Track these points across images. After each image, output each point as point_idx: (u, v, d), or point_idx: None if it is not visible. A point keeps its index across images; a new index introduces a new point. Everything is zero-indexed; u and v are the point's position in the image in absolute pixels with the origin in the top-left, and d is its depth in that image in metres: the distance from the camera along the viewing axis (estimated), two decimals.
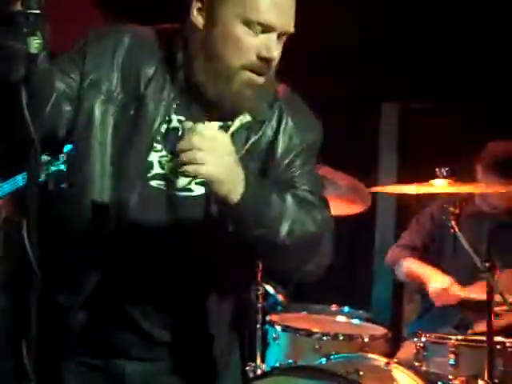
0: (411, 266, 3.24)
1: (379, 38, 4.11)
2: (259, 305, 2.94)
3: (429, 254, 3.27)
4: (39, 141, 1.23)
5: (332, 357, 2.57)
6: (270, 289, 3.08)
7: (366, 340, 2.83)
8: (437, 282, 3.08)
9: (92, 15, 3.89)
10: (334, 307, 3.26)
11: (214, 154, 1.45)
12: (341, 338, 2.85)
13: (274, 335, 2.97)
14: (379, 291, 4.32)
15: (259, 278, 2.97)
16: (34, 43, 1.24)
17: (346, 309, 3.28)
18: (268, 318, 3.03)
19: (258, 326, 2.95)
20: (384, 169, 4.49)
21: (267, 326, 3.01)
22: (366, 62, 4.12)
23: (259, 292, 2.96)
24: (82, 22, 3.42)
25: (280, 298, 3.13)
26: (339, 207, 2.92)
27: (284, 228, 1.56)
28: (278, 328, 2.97)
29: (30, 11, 1.24)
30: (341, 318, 3.18)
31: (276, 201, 1.58)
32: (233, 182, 1.50)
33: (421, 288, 3.21)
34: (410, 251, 3.29)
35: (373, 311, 3.69)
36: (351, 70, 4.09)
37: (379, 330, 2.99)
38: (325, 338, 2.84)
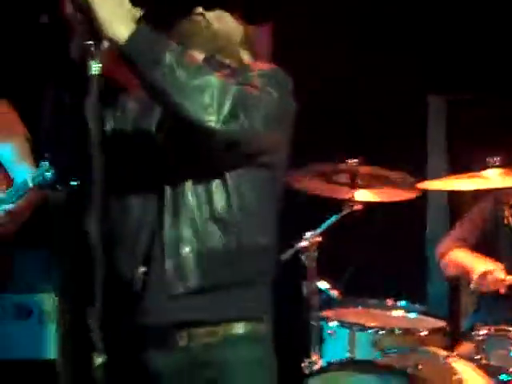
0: (457, 255, 3.16)
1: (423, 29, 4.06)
2: (313, 301, 2.94)
3: (481, 251, 3.18)
4: None
5: (389, 351, 2.54)
6: (323, 284, 3.06)
7: (424, 334, 2.79)
8: (480, 266, 2.99)
9: None
10: (389, 301, 3.22)
11: None
12: (397, 332, 2.81)
13: (330, 331, 2.95)
14: (435, 284, 4.25)
15: (312, 274, 2.96)
16: (94, 67, 1.42)
17: (402, 303, 3.23)
18: (322, 313, 3.01)
19: (313, 322, 2.94)
20: (433, 162, 4.42)
21: (322, 322, 2.98)
22: (411, 54, 4.07)
23: (312, 288, 2.96)
24: None
25: (334, 293, 3.10)
26: (390, 194, 2.89)
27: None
28: (333, 323, 2.95)
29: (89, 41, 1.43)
30: (397, 313, 3.13)
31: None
32: (123, 18, 1.47)
33: (468, 279, 3.13)
34: (460, 243, 3.22)
35: (429, 304, 3.63)
36: (396, 63, 4.04)
37: (436, 324, 2.94)
38: (381, 332, 2.81)
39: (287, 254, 2.91)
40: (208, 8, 1.76)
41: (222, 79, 1.60)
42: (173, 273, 1.66)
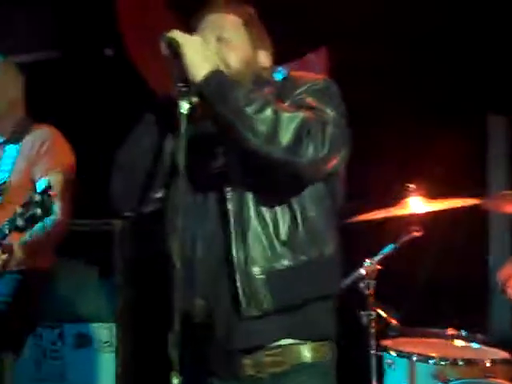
0: None
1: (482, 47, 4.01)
2: (372, 330, 2.89)
3: None
4: None
5: (452, 383, 2.48)
6: (382, 313, 3.01)
7: (488, 365, 2.71)
8: None
9: (163, 17, 3.96)
10: (450, 331, 3.14)
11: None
12: (460, 363, 2.74)
13: (389, 361, 2.90)
14: (498, 312, 4.14)
15: (371, 303, 2.92)
16: (185, 106, 1.64)
17: (464, 332, 3.15)
18: (381, 343, 2.96)
19: (372, 351, 2.89)
20: (493, 182, 4.33)
21: (381, 352, 2.93)
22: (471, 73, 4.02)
23: (371, 317, 2.91)
24: (154, 24, 3.52)
25: (393, 322, 3.05)
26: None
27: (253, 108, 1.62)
28: (393, 353, 2.89)
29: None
30: (458, 343, 3.05)
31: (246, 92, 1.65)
32: (208, 64, 1.65)
33: None
34: None
35: (492, 334, 3.53)
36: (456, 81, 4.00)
37: (501, 354, 2.85)
38: (443, 363, 2.74)
39: (346, 282, 2.88)
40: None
41: (287, 112, 1.65)
42: (243, 296, 1.67)
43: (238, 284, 1.67)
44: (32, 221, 2.33)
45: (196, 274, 1.71)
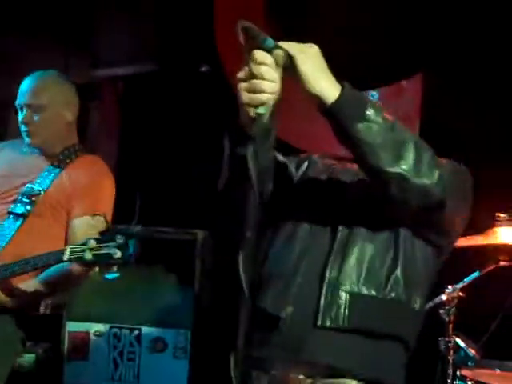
0: None
1: None
2: (450, 358, 2.84)
3: None
4: None
5: None
6: (460, 342, 2.96)
7: None
8: None
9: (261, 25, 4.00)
10: None
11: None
12: None
13: None
14: None
15: (450, 331, 2.88)
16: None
17: None
18: (459, 372, 2.91)
19: (449, 380, 2.84)
20: None
21: (458, 382, 2.88)
22: None
23: (450, 344, 2.87)
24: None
25: (471, 351, 2.99)
26: None
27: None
28: None
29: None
30: None
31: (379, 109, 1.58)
32: (327, 76, 1.52)
33: None
34: None
35: None
36: None
37: None
38: None
39: (427, 307, 2.85)
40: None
41: (415, 135, 1.66)
42: (324, 305, 1.68)
43: (322, 297, 1.68)
44: (103, 259, 2.27)
45: (289, 283, 1.73)
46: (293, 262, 1.74)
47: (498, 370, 3.06)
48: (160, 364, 3.52)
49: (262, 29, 1.49)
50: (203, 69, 3.75)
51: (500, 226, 2.89)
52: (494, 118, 3.61)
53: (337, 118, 1.54)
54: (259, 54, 1.45)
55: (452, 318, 2.88)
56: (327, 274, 1.70)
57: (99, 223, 2.52)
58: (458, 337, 2.93)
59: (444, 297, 2.88)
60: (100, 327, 3.57)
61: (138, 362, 3.53)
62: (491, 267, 2.91)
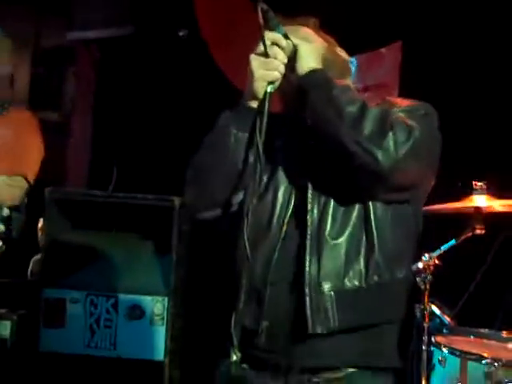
0: None
1: None
2: (425, 325, 2.87)
3: None
4: None
5: None
6: (435, 309, 2.98)
7: None
8: None
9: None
10: (504, 333, 3.09)
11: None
12: None
13: (440, 358, 2.86)
14: None
15: (426, 298, 2.90)
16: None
17: None
18: (434, 339, 2.93)
19: (424, 347, 2.87)
20: None
21: (433, 348, 2.91)
22: None
23: (425, 312, 2.89)
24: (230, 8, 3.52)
25: (446, 319, 3.02)
26: None
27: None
28: (445, 350, 2.86)
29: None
30: None
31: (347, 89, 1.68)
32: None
33: None
34: None
35: None
36: None
37: None
38: (496, 364, 2.70)
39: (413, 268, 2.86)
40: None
41: (380, 108, 1.67)
42: (311, 311, 1.66)
43: (307, 300, 1.67)
44: None
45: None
46: (261, 272, 1.71)
47: (472, 337, 3.10)
48: (137, 331, 3.52)
49: None
50: (181, 33, 3.69)
51: (476, 194, 2.90)
52: (472, 85, 3.61)
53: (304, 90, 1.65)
54: (276, 36, 1.64)
55: (428, 285, 2.89)
56: (306, 272, 1.67)
57: (17, 183, 2.48)
58: (434, 304, 2.95)
59: (420, 265, 2.89)
60: (76, 294, 3.55)
61: (114, 330, 3.52)
62: (467, 235, 2.92)
